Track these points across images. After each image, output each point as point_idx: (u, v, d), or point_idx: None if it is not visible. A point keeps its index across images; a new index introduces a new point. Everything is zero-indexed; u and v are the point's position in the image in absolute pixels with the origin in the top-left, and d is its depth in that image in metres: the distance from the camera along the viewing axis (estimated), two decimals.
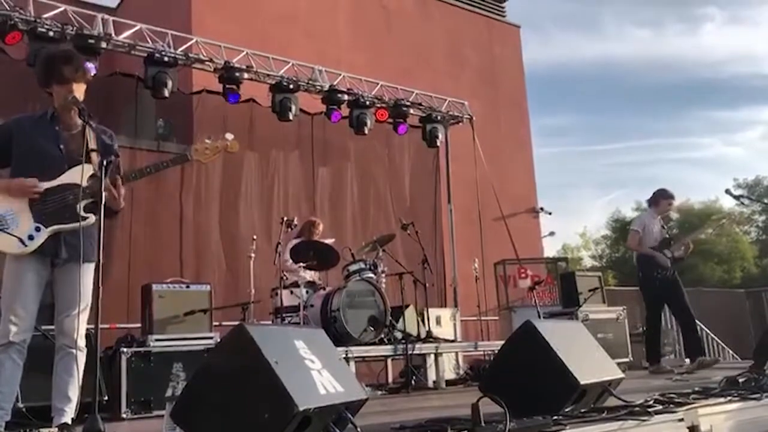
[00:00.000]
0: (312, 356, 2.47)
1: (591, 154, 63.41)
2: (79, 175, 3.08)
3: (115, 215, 3.31)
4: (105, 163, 2.79)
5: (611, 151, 61.90)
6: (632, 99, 57.73)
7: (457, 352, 7.28)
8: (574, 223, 62.26)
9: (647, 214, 7.01)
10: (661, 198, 6.91)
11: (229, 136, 3.41)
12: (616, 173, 62.45)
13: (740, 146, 56.89)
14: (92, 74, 3.36)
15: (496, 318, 8.95)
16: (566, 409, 2.85)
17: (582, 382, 2.86)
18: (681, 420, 2.80)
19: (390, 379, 7.25)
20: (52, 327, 3.34)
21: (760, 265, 29.92)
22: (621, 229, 35.60)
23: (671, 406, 2.98)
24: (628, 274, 30.16)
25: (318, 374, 2.41)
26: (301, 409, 2.13)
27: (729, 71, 57.03)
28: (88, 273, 3.07)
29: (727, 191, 6.28)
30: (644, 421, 2.68)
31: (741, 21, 57.05)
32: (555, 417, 2.60)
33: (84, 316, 3.09)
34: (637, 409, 2.81)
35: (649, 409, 2.79)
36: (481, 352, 7.71)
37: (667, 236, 6.78)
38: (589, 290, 7.45)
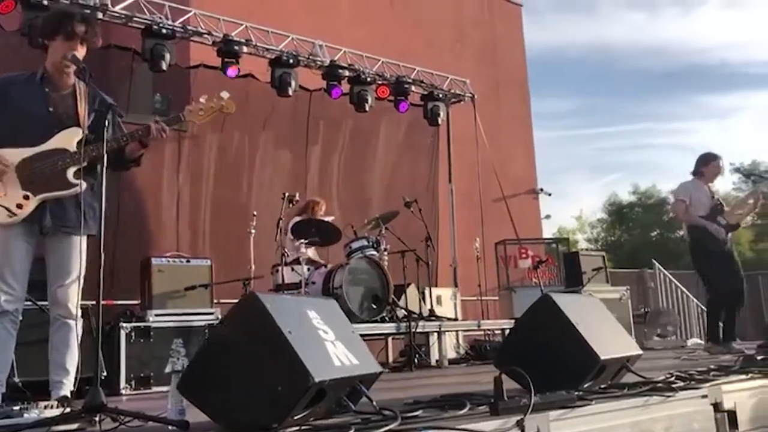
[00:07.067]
0: (325, 327, 2.37)
1: (585, 138, 63.38)
2: (68, 139, 2.94)
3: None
4: (106, 123, 2.64)
5: (605, 134, 61.86)
6: (626, 83, 57.58)
7: (458, 331, 7.22)
8: (568, 207, 62.34)
9: (691, 183, 6.18)
10: (703, 166, 6.13)
11: (225, 94, 3.25)
12: (610, 157, 62.54)
13: (733, 131, 56.91)
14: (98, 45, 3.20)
15: (496, 298, 8.87)
16: (585, 385, 2.76)
17: (602, 358, 2.76)
18: (704, 396, 2.72)
19: (390, 359, 7.18)
20: (47, 302, 3.22)
21: (755, 249, 30.03)
22: (617, 212, 35.65)
23: (692, 382, 2.89)
24: (623, 257, 30.23)
25: (332, 345, 2.31)
26: (316, 380, 2.03)
27: (721, 56, 57.07)
28: (78, 243, 2.95)
29: (738, 170, 6.16)
30: (668, 397, 2.59)
31: (735, 5, 56.88)
32: (578, 392, 2.50)
33: (75, 286, 2.98)
34: (660, 385, 2.71)
35: (673, 386, 2.70)
36: (482, 332, 7.66)
37: (719, 203, 6.11)
38: (593, 269, 7.39)
